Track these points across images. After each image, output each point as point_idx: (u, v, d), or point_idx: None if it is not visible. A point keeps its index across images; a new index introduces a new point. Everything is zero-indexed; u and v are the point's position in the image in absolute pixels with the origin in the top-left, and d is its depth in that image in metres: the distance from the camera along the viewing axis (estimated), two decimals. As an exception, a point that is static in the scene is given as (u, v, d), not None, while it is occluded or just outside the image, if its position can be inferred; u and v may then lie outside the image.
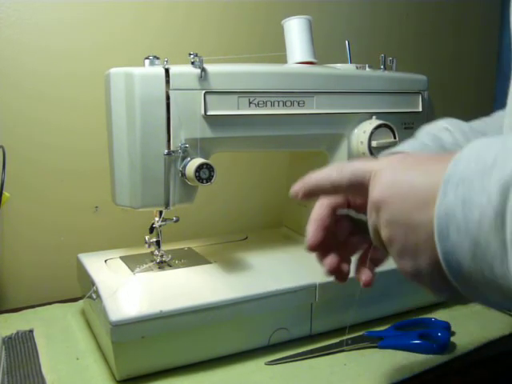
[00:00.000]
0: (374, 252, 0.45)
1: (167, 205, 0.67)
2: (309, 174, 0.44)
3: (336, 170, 0.41)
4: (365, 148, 0.74)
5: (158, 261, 0.72)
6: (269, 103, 0.69)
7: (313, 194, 0.44)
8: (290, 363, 0.63)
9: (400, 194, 0.34)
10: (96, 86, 0.75)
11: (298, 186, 0.44)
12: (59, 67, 0.83)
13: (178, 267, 0.71)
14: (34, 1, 0.80)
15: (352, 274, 0.48)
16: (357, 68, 0.78)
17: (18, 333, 0.70)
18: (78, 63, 0.84)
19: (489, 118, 0.61)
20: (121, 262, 0.73)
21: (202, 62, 0.65)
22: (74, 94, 0.84)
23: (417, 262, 0.34)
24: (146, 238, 0.71)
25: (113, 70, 0.64)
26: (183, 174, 0.65)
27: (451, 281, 0.31)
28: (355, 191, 0.40)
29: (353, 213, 0.47)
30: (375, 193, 0.36)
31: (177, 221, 0.71)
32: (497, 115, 0.60)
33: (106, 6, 0.85)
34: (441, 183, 0.30)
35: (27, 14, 0.80)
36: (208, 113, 0.66)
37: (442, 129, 0.56)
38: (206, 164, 0.64)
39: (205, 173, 0.64)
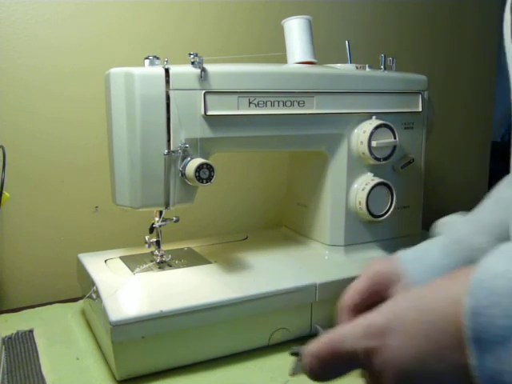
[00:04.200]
0: None
1: (167, 205, 0.67)
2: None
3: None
4: (365, 148, 0.74)
5: (157, 261, 0.72)
6: (269, 103, 0.69)
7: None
8: (290, 363, 0.63)
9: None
10: (96, 81, 0.75)
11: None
12: (59, 63, 0.83)
13: (178, 267, 0.71)
14: (33, 0, 0.80)
15: None
16: (357, 68, 0.78)
17: (18, 333, 0.70)
18: (77, 59, 0.84)
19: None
20: (121, 262, 0.73)
21: (201, 62, 0.65)
22: (74, 89, 0.84)
23: None
24: (146, 238, 0.71)
25: (113, 70, 0.64)
26: (183, 174, 0.65)
27: None
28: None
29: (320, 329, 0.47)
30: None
31: (177, 221, 0.71)
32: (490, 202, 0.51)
33: (104, 4, 0.85)
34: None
35: (28, 14, 0.80)
36: (208, 113, 0.65)
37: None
38: (206, 164, 0.63)
39: (205, 173, 0.63)
